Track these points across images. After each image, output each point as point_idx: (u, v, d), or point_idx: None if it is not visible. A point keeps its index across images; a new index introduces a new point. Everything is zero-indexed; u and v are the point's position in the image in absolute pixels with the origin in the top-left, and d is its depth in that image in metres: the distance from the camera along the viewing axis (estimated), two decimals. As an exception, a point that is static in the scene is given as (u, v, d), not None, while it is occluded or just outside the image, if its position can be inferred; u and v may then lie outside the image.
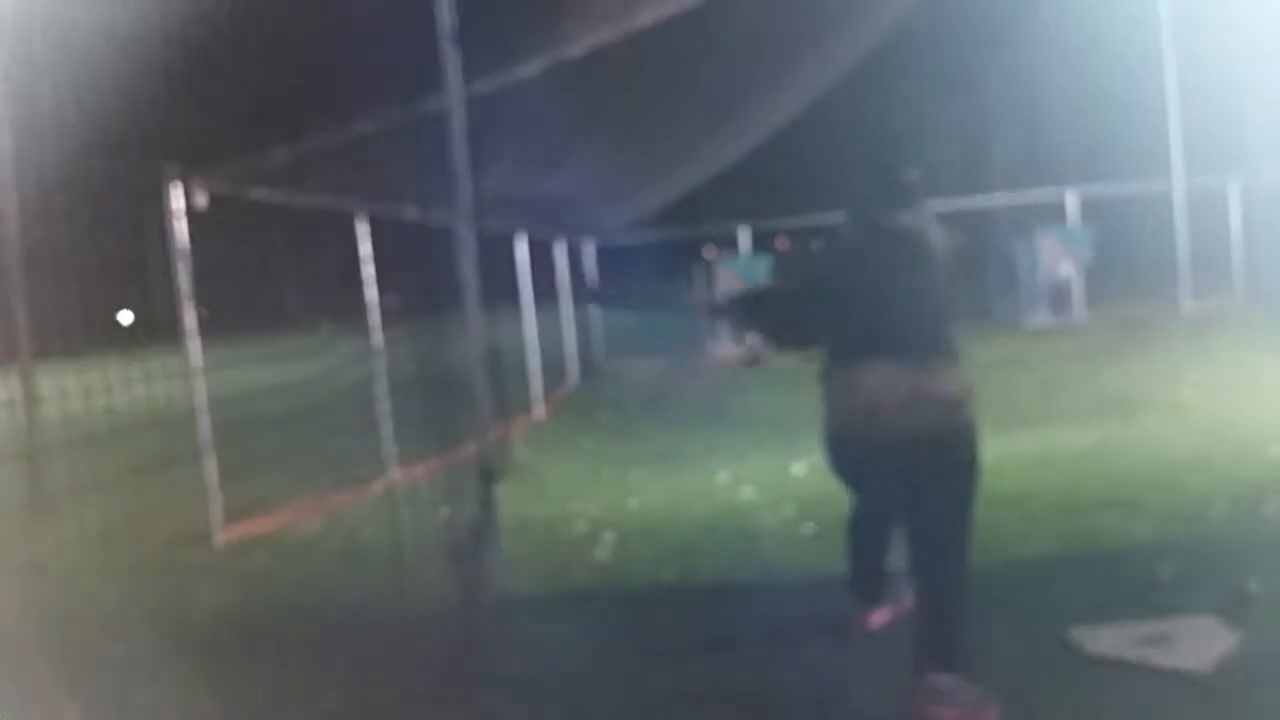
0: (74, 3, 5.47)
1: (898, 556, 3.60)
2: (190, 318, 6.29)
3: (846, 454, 3.45)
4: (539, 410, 11.01)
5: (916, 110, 23.47)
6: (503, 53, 5.70)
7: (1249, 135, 16.74)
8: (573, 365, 14.01)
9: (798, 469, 6.56)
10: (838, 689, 3.52)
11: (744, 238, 16.60)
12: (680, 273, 16.75)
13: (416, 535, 5.59)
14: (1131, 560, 4.41)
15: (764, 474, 6.74)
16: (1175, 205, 16.51)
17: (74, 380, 5.55)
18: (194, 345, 6.32)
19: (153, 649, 4.27)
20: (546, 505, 6.47)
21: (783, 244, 22.76)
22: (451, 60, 4.77)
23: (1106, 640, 3.59)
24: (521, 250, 11.37)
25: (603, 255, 16.41)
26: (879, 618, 3.87)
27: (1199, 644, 3.49)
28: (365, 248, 7.65)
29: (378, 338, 7.67)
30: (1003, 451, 5.80)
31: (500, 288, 8.27)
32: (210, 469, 6.28)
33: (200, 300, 6.38)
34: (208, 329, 6.57)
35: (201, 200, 6.32)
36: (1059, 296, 16.15)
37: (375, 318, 7.68)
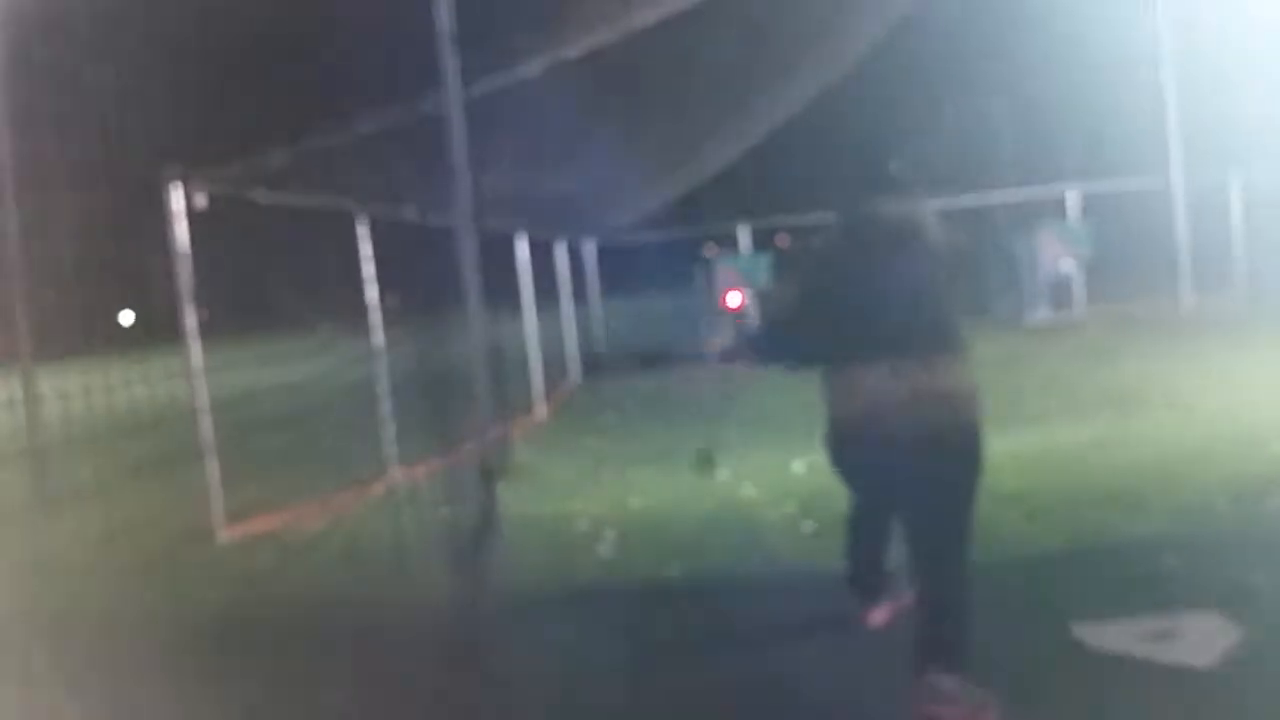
0: (74, 3, 5.47)
1: (897, 553, 3.60)
2: (191, 318, 6.29)
3: (848, 450, 3.44)
4: (540, 410, 11.00)
5: (913, 107, 23.46)
6: (502, 53, 5.70)
7: (1250, 131, 16.71)
8: (574, 365, 13.99)
9: (798, 467, 6.55)
10: (838, 686, 3.52)
11: (744, 236, 16.59)
12: (684, 275, 16.75)
13: (418, 535, 5.60)
14: (1134, 556, 4.41)
15: (764, 472, 6.73)
16: (1176, 201, 16.50)
17: (75, 380, 5.55)
18: (195, 345, 6.32)
19: (155, 648, 4.27)
20: (548, 504, 6.47)
21: (783, 242, 22.73)
22: (450, 61, 4.78)
23: (1110, 636, 3.59)
24: (522, 250, 11.37)
25: (603, 255, 16.41)
26: (879, 615, 3.87)
27: (1203, 639, 3.49)
28: (365, 248, 7.64)
29: (378, 338, 7.66)
30: (1004, 448, 5.79)
31: (501, 288, 8.26)
32: (212, 469, 6.28)
33: (201, 301, 6.39)
34: (208, 329, 6.57)
35: (202, 201, 6.32)
36: (1059, 293, 16.14)
37: (376, 318, 7.67)
